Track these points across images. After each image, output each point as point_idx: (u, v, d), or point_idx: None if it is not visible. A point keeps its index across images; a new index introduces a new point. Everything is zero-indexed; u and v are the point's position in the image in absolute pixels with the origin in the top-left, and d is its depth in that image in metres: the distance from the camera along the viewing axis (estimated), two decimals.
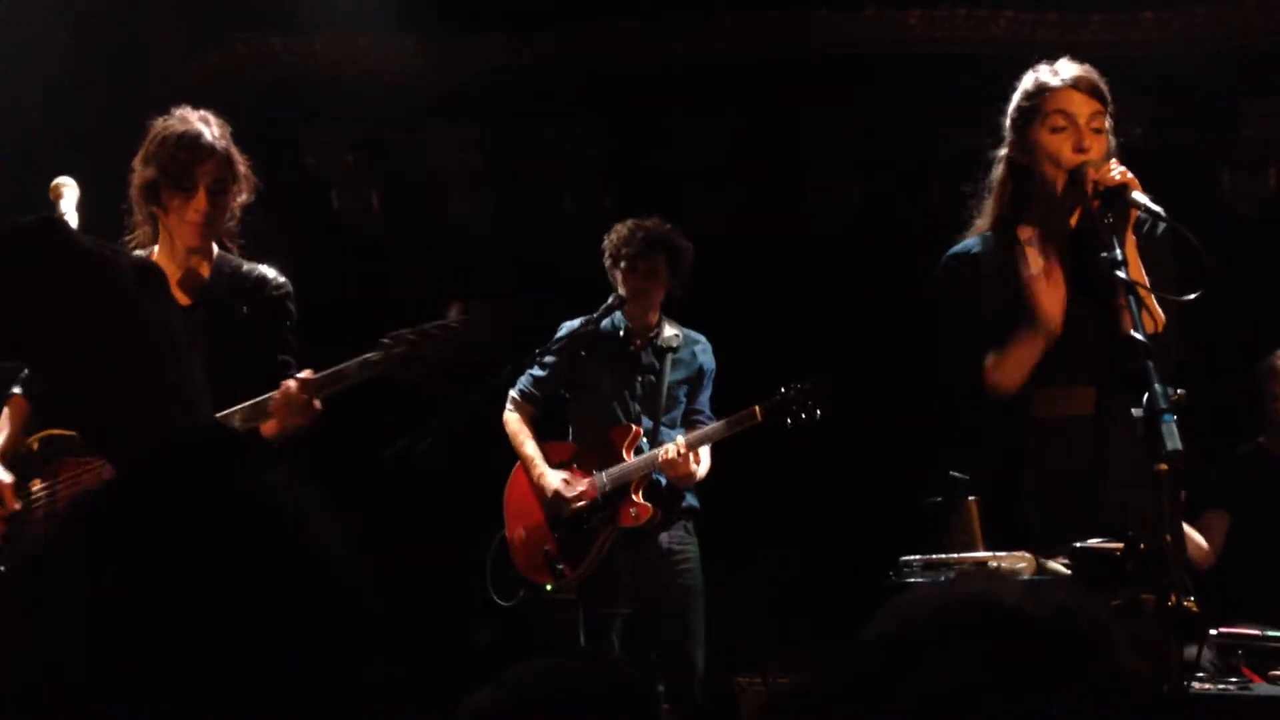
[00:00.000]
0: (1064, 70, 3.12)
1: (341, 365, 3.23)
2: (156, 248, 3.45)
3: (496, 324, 3.36)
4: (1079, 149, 3.04)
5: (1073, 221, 3.17)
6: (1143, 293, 2.77)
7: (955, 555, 2.79)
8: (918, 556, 2.80)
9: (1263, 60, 5.54)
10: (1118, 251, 2.80)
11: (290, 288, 3.56)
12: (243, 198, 3.45)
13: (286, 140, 5.85)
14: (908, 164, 5.86)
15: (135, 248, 3.46)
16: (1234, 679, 3.93)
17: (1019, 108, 3.16)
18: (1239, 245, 4.50)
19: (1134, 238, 2.92)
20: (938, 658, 1.17)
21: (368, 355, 3.22)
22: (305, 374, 3.21)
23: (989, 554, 2.73)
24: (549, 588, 4.72)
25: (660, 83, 5.87)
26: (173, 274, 3.38)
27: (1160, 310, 2.91)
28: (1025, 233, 3.19)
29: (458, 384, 3.83)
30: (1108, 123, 3.11)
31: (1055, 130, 3.08)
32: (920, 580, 2.74)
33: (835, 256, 5.79)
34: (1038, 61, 3.21)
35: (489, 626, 5.09)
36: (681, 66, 5.82)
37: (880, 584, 2.79)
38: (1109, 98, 3.12)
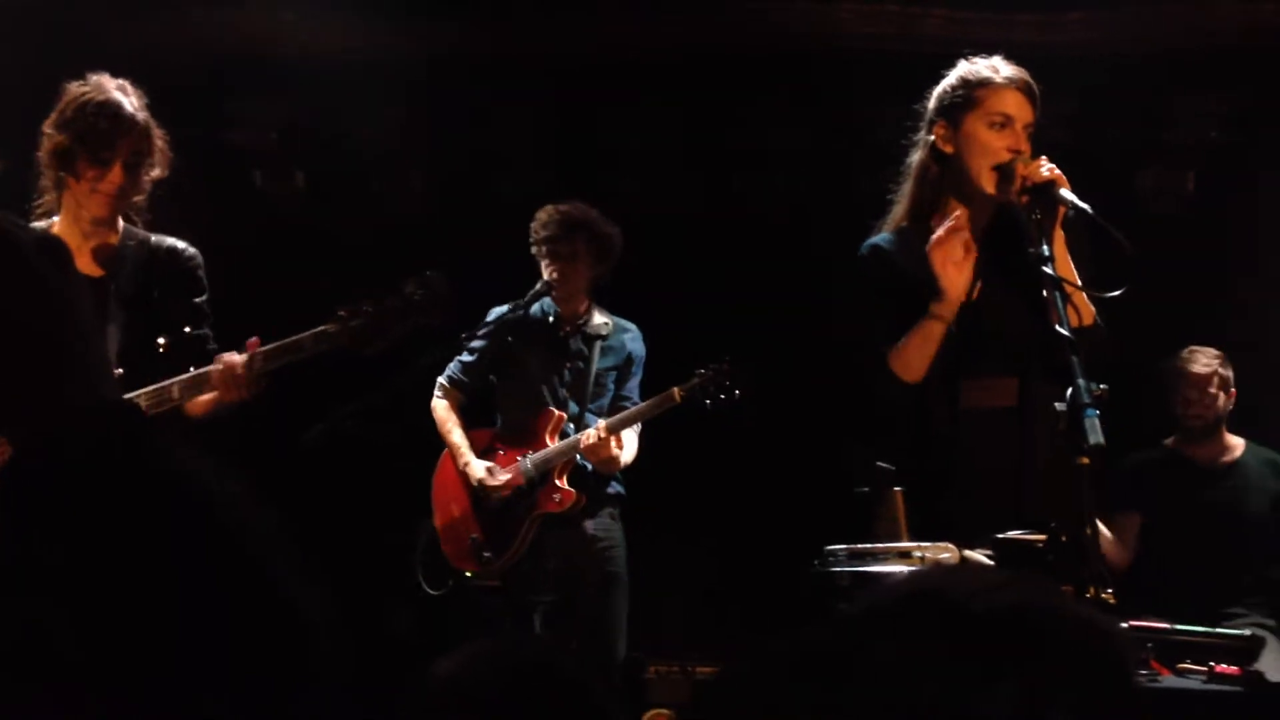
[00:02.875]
0: (1005, 69, 3.12)
1: (295, 337, 3.18)
2: (58, 218, 3.36)
3: (451, 297, 3.32)
4: (1013, 150, 3.05)
5: (988, 215, 3.18)
6: (1070, 288, 2.81)
7: (880, 545, 2.81)
8: (843, 546, 2.81)
9: (1186, 64, 5.64)
10: (1045, 247, 2.84)
11: (200, 259, 3.50)
12: (156, 173, 3.38)
13: (209, 116, 5.75)
14: (837, 157, 5.90)
15: (41, 214, 3.37)
16: (1143, 672, 4.00)
17: (954, 97, 3.14)
18: (1156, 245, 4.57)
19: (1062, 234, 2.95)
20: (886, 651, 1.17)
21: (323, 327, 3.18)
22: (253, 341, 3.16)
23: (914, 544, 2.75)
24: (468, 574, 4.69)
25: (593, 69, 5.84)
26: (78, 245, 3.30)
27: (1088, 306, 2.95)
28: (939, 223, 3.15)
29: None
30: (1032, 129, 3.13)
31: (992, 126, 3.08)
32: (846, 570, 2.75)
33: (765, 245, 5.81)
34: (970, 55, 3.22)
35: (408, 614, 5.05)
36: (613, 54, 5.80)
37: (805, 573, 2.80)
38: (1038, 107, 3.14)
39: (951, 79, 3.17)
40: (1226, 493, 4.86)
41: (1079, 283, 2.93)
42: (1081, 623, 1.19)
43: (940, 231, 3.04)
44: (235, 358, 3.14)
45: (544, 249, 4.70)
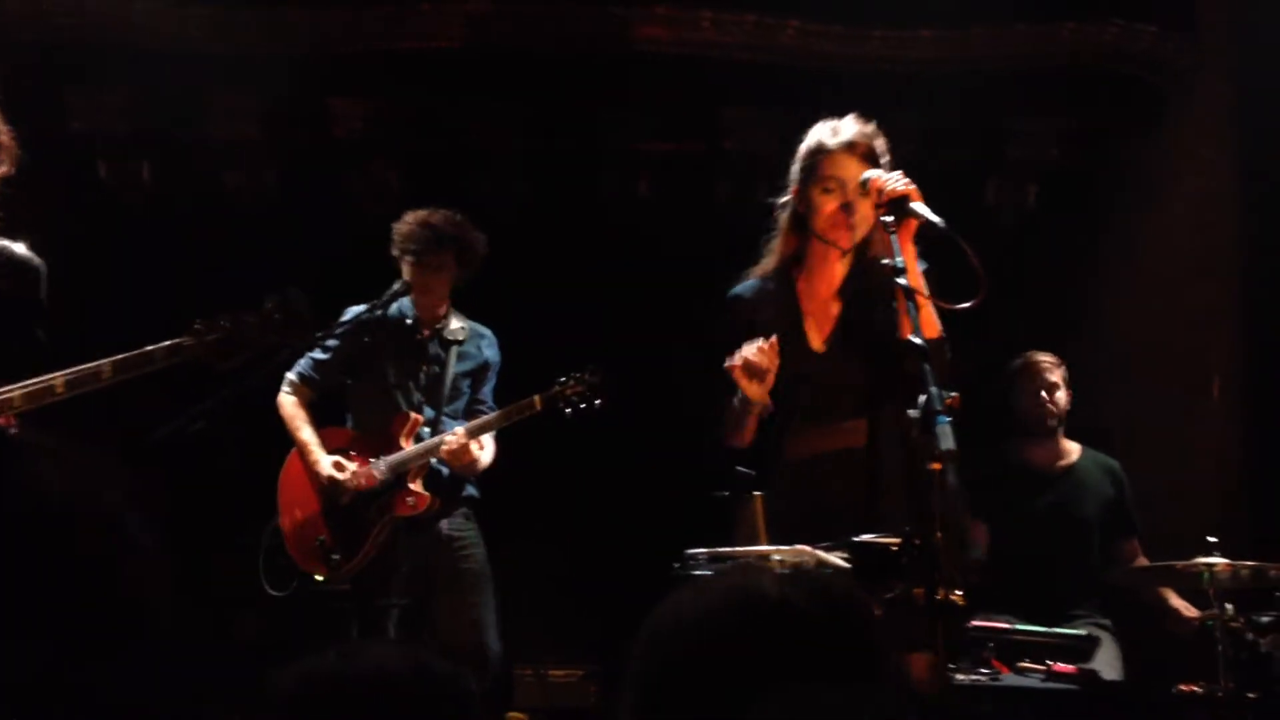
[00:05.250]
0: (842, 132, 3.32)
1: (147, 349, 3.11)
2: None
3: (311, 317, 3.28)
4: (843, 210, 3.28)
5: (842, 273, 3.40)
6: (923, 300, 2.92)
7: (740, 549, 2.85)
8: (703, 550, 2.85)
9: (1029, 83, 5.85)
10: (898, 259, 2.93)
11: (41, 265, 3.37)
12: (2, 169, 3.25)
13: (51, 104, 5.55)
14: (693, 163, 5.97)
15: None
16: (985, 670, 4.14)
17: (801, 165, 3.38)
18: (1000, 257, 4.73)
19: (914, 247, 3.07)
20: (706, 650, 1.19)
21: (177, 340, 3.11)
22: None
23: (772, 548, 2.80)
24: (319, 578, 4.61)
25: (450, 66, 5.80)
26: None
27: (934, 322, 3.08)
28: (804, 277, 3.43)
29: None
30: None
31: (826, 192, 3.30)
32: (707, 574, 2.78)
33: (623, 250, 5.85)
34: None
35: (255, 617, 4.95)
36: (473, 52, 5.77)
37: (666, 576, 2.83)
38: (880, 157, 3.31)
39: (802, 147, 3.39)
40: (1063, 496, 5.01)
41: (928, 293, 3.04)
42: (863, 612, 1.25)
43: (743, 356, 3.18)
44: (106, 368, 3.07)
45: (409, 259, 4.65)
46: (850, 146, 3.27)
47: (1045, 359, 5.06)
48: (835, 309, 3.39)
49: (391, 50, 5.75)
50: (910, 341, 2.77)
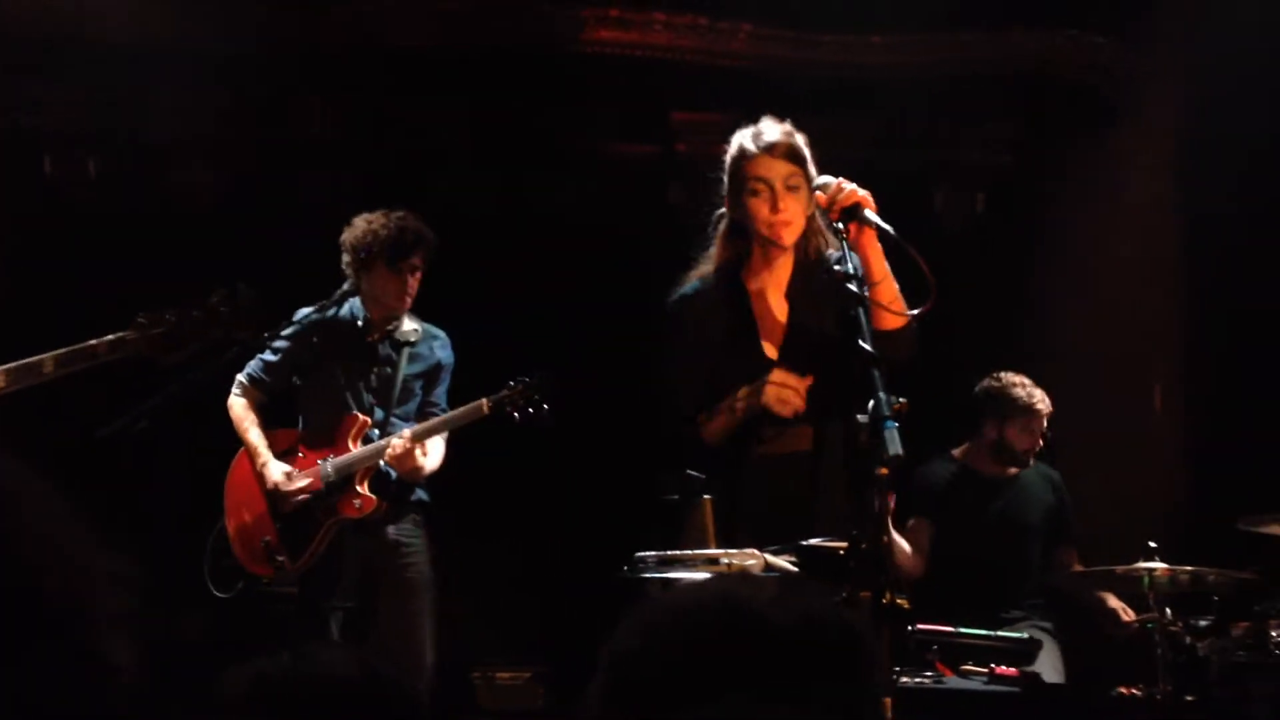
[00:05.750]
0: (764, 134, 3.34)
1: (90, 342, 3.06)
2: None
3: (259, 311, 3.25)
4: (775, 210, 3.29)
5: (789, 273, 3.43)
6: (886, 296, 2.97)
7: (688, 552, 2.86)
8: (652, 553, 2.86)
9: (980, 90, 5.91)
10: (850, 266, 2.96)
11: None
12: None
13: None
14: (646, 166, 5.98)
15: None
16: (929, 673, 4.18)
17: (729, 174, 3.40)
18: (949, 262, 4.77)
19: (880, 247, 3.11)
20: (683, 661, 1.20)
21: (121, 334, 3.06)
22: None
23: (721, 551, 2.82)
24: (265, 580, 4.58)
25: (406, 67, 5.78)
26: None
27: (902, 309, 3.11)
28: (752, 282, 3.44)
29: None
30: (806, 176, 3.32)
31: (754, 195, 3.32)
32: (655, 576, 2.79)
33: (577, 252, 5.84)
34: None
35: (199, 618, 4.90)
36: (429, 53, 5.75)
37: (615, 579, 2.84)
38: (805, 156, 3.34)
39: (727, 156, 3.41)
40: (1009, 504, 5.08)
41: (895, 286, 3.12)
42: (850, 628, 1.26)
43: (785, 390, 3.28)
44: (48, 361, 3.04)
45: (383, 262, 4.55)
46: (771, 148, 3.31)
47: (1043, 401, 5.05)
48: (784, 312, 3.42)
49: (346, 50, 5.73)
50: (860, 348, 2.79)
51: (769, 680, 1.17)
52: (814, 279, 3.33)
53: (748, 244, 3.43)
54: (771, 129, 3.34)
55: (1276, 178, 5.40)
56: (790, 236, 3.34)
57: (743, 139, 3.37)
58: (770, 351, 3.40)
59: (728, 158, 3.40)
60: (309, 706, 1.30)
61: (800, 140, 3.35)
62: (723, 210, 3.47)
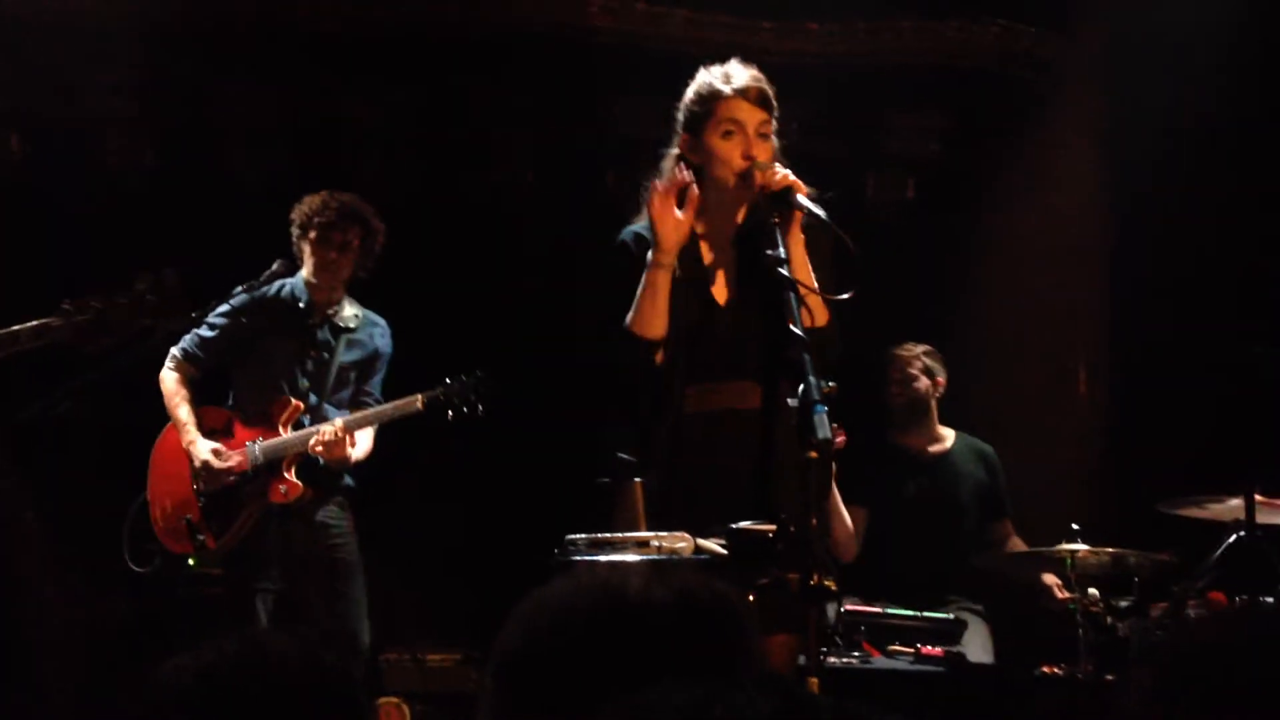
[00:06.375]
0: (735, 77, 3.24)
1: (12, 328, 3.01)
2: None
3: (184, 298, 3.20)
4: (746, 155, 3.18)
5: (739, 219, 3.31)
6: (805, 290, 2.96)
7: (619, 535, 2.87)
8: (583, 535, 2.87)
9: (912, 79, 5.97)
10: (781, 250, 2.97)
11: None
12: None
13: None
14: (582, 150, 5.97)
15: None
16: (856, 653, 4.24)
17: (691, 110, 3.27)
18: (878, 249, 4.82)
19: (802, 236, 3.09)
20: (566, 653, 1.21)
21: (44, 320, 3.01)
22: None
23: (651, 534, 2.83)
24: (191, 561, 4.53)
25: (334, 48, 5.72)
26: None
27: (823, 307, 3.08)
28: (697, 226, 3.28)
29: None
30: (774, 126, 3.27)
31: (726, 135, 3.20)
32: (585, 559, 2.80)
33: (512, 237, 5.82)
34: (708, 62, 3.35)
35: (125, 599, 4.84)
36: (357, 33, 5.69)
37: (545, 562, 2.84)
38: (775, 104, 3.27)
39: (690, 92, 3.29)
40: (937, 481, 5.14)
41: (815, 284, 3.06)
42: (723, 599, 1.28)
43: (661, 183, 3.17)
44: None
45: (313, 234, 4.59)
46: (745, 91, 3.22)
47: (904, 348, 5.17)
48: (733, 256, 3.29)
49: (275, 30, 5.66)
50: (791, 331, 2.81)
51: (652, 662, 1.18)
52: (765, 225, 3.15)
53: (701, 185, 3.24)
54: (741, 72, 3.25)
55: (1198, 164, 5.51)
56: (761, 179, 3.14)
57: (711, 78, 3.25)
58: (720, 296, 3.29)
59: (692, 93, 3.27)
60: (257, 697, 1.29)
61: (769, 89, 3.27)
62: (672, 150, 3.32)
